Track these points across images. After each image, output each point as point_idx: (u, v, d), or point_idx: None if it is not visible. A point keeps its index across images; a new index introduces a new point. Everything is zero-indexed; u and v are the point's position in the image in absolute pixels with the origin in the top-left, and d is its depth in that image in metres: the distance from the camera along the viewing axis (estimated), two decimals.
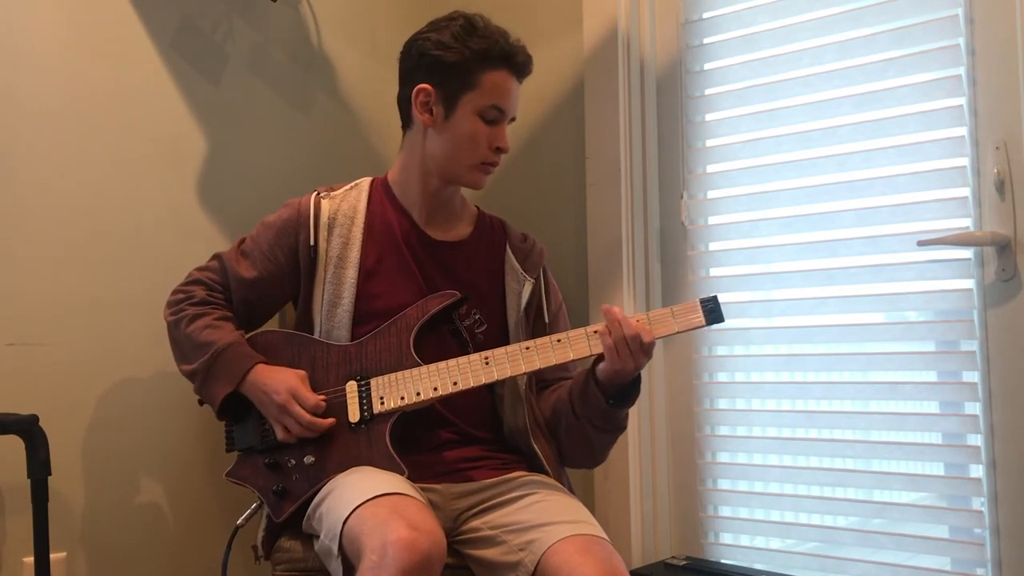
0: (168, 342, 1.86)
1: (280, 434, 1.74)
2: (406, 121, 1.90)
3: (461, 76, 1.80)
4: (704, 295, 1.69)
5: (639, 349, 1.65)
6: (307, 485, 1.72)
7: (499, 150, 1.84)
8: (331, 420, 1.73)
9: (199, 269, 1.91)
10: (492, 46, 1.79)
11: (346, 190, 1.91)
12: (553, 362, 1.69)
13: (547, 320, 1.91)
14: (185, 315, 1.82)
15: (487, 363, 1.71)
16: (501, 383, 1.85)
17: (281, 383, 1.73)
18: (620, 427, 1.79)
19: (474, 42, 1.79)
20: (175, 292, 1.88)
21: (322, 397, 1.75)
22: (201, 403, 1.83)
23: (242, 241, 1.91)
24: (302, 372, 1.77)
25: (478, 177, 1.86)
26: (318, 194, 1.89)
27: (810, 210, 2.05)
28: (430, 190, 1.89)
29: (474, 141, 1.81)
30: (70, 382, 2.00)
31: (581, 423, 1.76)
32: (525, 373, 1.74)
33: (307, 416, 1.71)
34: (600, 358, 1.71)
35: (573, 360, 1.70)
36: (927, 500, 1.93)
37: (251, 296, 1.87)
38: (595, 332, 1.69)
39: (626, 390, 1.74)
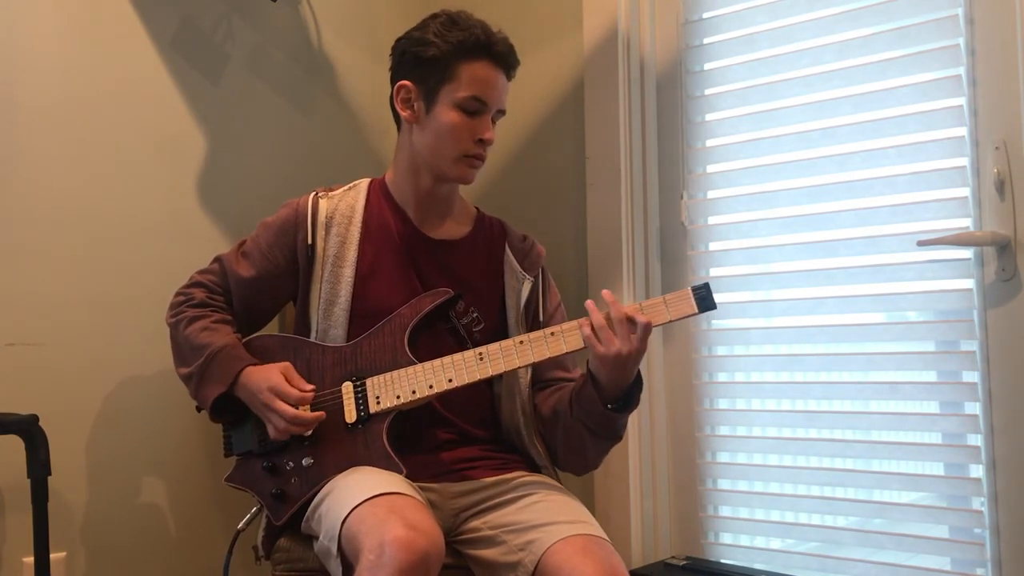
0: (169, 343, 1.87)
1: (270, 431, 1.74)
2: (397, 121, 1.91)
3: (439, 69, 1.80)
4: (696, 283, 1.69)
5: (625, 333, 1.62)
6: (306, 487, 1.72)
7: (482, 142, 1.83)
8: (319, 414, 1.72)
9: (200, 272, 1.91)
10: (468, 37, 1.79)
11: (344, 190, 1.92)
12: (547, 355, 1.69)
13: (542, 320, 1.90)
14: (184, 317, 1.83)
15: (481, 359, 1.71)
16: (498, 382, 1.85)
17: (264, 380, 1.73)
18: (616, 435, 1.75)
19: (453, 35, 1.79)
20: (176, 295, 1.89)
21: (310, 388, 1.74)
22: (199, 410, 1.83)
23: (242, 243, 1.91)
24: (286, 364, 1.77)
25: (463, 171, 1.85)
26: (316, 194, 1.89)
27: (810, 210, 2.05)
28: (423, 188, 1.89)
29: (455, 133, 1.81)
30: (70, 382, 2.00)
31: (577, 425, 1.74)
32: (519, 367, 1.73)
33: (290, 410, 1.70)
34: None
35: (567, 353, 1.69)
36: (927, 500, 1.93)
37: (251, 297, 1.88)
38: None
39: (625, 394, 1.71)
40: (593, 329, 1.64)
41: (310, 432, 1.73)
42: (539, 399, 1.86)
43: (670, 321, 1.66)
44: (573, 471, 1.88)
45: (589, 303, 1.67)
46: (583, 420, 1.73)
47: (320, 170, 2.40)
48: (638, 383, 1.72)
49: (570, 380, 1.87)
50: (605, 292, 1.67)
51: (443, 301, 1.78)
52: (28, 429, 1.79)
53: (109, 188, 2.08)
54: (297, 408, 1.70)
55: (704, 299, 1.65)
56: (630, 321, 1.63)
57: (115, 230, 2.08)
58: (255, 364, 1.77)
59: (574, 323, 1.69)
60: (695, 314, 1.65)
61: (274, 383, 1.72)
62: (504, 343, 1.71)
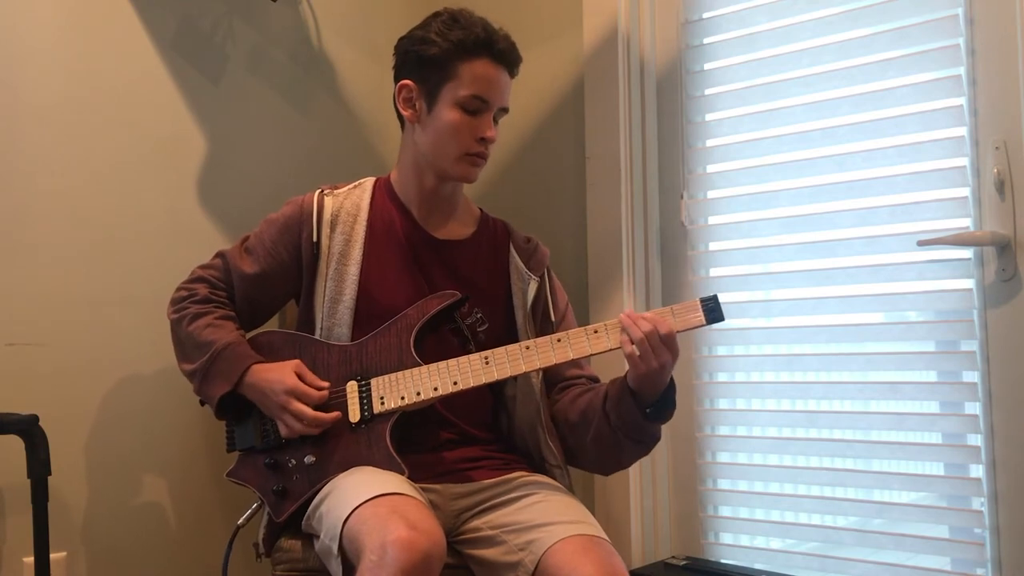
0: (170, 340, 1.87)
1: (283, 430, 1.74)
2: (400, 120, 1.91)
3: (440, 68, 1.80)
4: (704, 294, 1.68)
5: (658, 344, 1.61)
6: (307, 485, 1.72)
7: (484, 140, 1.82)
8: (336, 414, 1.72)
9: (202, 267, 1.91)
10: (469, 35, 1.79)
11: (349, 188, 1.92)
12: (553, 361, 1.69)
13: (554, 320, 1.90)
14: (187, 313, 1.82)
15: (487, 363, 1.71)
16: (513, 384, 1.85)
17: (278, 382, 1.73)
18: (655, 438, 1.75)
19: (453, 34, 1.79)
20: (178, 290, 1.89)
21: (325, 385, 1.74)
22: (203, 403, 1.83)
23: (245, 239, 1.91)
24: (296, 362, 1.77)
25: (466, 169, 1.85)
26: (321, 192, 1.89)
27: (810, 210, 2.05)
28: (427, 187, 1.89)
29: (456, 132, 1.80)
30: (70, 382, 2.00)
31: (616, 434, 1.73)
32: (525, 372, 1.73)
33: (309, 412, 1.71)
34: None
35: (573, 359, 1.70)
36: (927, 500, 1.93)
37: (254, 293, 1.88)
38: (595, 331, 1.68)
39: (661, 402, 1.70)
40: (637, 344, 1.62)
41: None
42: (562, 401, 1.85)
43: (677, 332, 1.65)
44: (603, 472, 1.89)
45: (625, 318, 1.63)
46: (622, 430, 1.72)
47: (320, 170, 2.40)
48: (671, 383, 1.71)
49: (586, 377, 1.88)
50: (629, 311, 1.65)
51: (450, 303, 1.78)
52: (28, 429, 1.78)
53: (109, 188, 2.08)
54: (314, 409, 1.71)
55: (713, 310, 1.64)
56: (669, 335, 1.62)
57: (115, 230, 2.08)
58: (260, 362, 1.77)
59: (580, 330, 1.69)
60: (703, 325, 1.64)
61: (290, 384, 1.72)
62: (511, 348, 1.71)
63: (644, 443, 1.75)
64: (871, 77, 1.97)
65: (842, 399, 2.01)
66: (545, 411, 1.83)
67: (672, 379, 1.70)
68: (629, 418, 1.70)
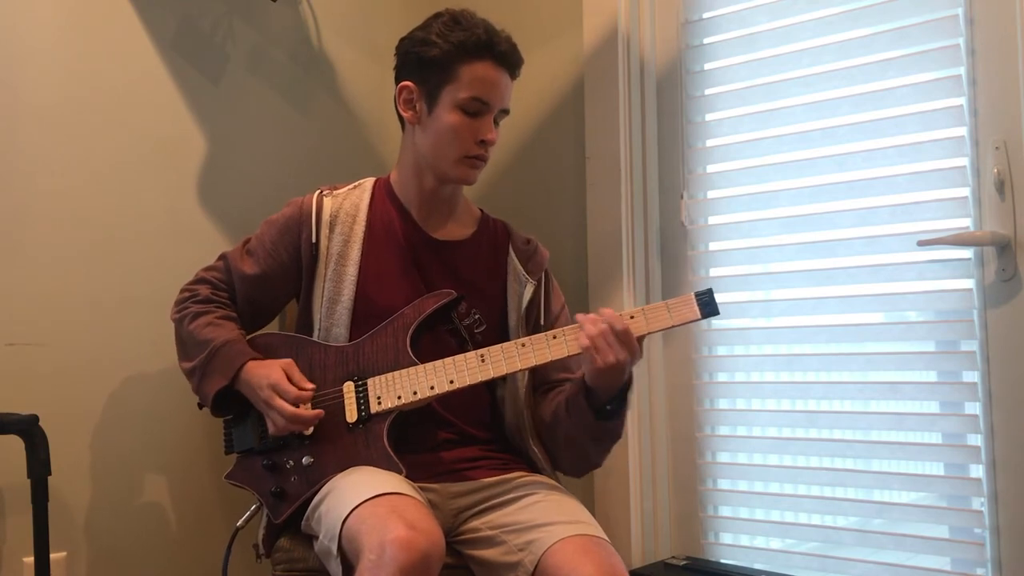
0: (170, 339, 1.87)
1: (270, 427, 1.74)
2: (401, 121, 1.90)
3: (441, 70, 1.79)
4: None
5: (614, 341, 1.61)
6: (305, 486, 1.72)
7: (484, 143, 1.82)
8: (318, 412, 1.72)
9: (205, 269, 1.92)
10: (470, 37, 1.78)
11: (349, 189, 1.92)
12: (549, 359, 1.69)
13: (543, 323, 1.90)
14: (188, 313, 1.83)
15: (483, 361, 1.71)
16: (502, 384, 1.85)
17: (264, 377, 1.73)
18: (615, 436, 1.75)
19: (454, 35, 1.78)
20: (181, 291, 1.90)
21: (310, 386, 1.74)
22: (200, 406, 1.83)
23: (247, 241, 1.92)
24: (287, 361, 1.76)
25: (465, 171, 1.84)
26: (321, 192, 1.89)
27: (810, 210, 2.05)
28: (427, 188, 1.89)
29: (456, 134, 1.80)
30: (70, 382, 2.00)
31: (575, 433, 1.75)
32: (521, 370, 1.73)
33: (289, 408, 1.70)
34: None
35: (569, 356, 1.69)
36: (927, 500, 1.93)
37: (255, 294, 1.88)
38: None
39: (617, 394, 1.70)
40: (591, 340, 1.63)
41: (310, 430, 1.73)
42: (543, 403, 1.85)
43: (672, 327, 1.66)
44: (576, 474, 1.88)
45: (580, 316, 1.66)
46: (581, 429, 1.73)
47: (320, 170, 2.40)
48: (628, 381, 1.71)
49: (572, 381, 1.86)
50: (603, 310, 1.66)
51: (446, 303, 1.78)
52: (28, 429, 1.79)
53: (109, 188, 2.08)
54: (297, 406, 1.71)
55: (707, 304, 1.64)
56: (625, 332, 1.62)
57: (115, 230, 2.08)
58: (257, 359, 1.77)
59: (576, 326, 1.69)
60: (698, 319, 1.65)
61: (274, 380, 1.72)
62: (506, 345, 1.70)
63: (603, 441, 1.76)
64: (871, 77, 1.97)
65: (842, 399, 2.01)
66: (529, 413, 1.83)
67: (631, 376, 1.69)
68: (582, 416, 1.71)
